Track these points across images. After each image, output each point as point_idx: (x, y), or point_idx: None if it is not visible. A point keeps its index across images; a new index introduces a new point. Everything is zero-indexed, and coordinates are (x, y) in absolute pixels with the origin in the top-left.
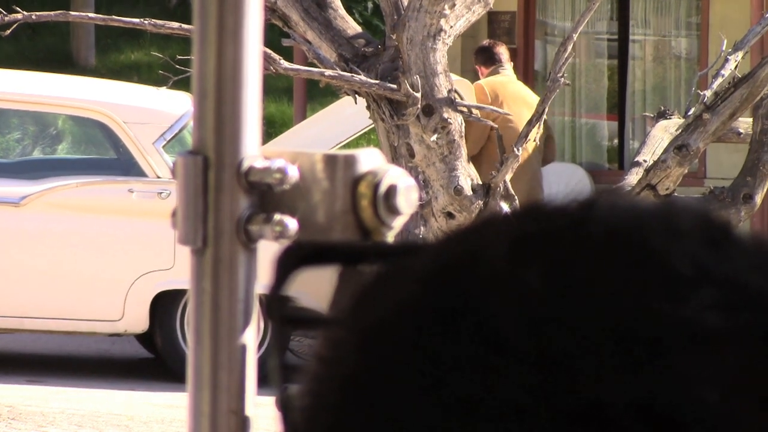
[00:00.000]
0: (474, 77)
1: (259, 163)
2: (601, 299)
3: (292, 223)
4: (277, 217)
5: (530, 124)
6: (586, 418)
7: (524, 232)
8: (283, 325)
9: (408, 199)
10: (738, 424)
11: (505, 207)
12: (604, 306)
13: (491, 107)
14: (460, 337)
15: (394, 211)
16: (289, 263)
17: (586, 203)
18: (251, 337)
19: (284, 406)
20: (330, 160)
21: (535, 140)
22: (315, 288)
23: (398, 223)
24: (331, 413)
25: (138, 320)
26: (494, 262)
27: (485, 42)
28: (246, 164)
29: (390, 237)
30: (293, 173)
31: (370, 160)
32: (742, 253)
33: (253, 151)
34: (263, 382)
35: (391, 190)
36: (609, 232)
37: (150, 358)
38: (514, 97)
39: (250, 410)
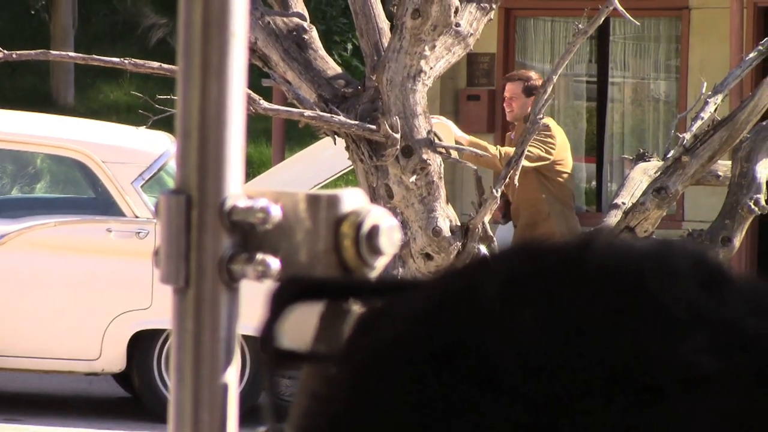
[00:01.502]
0: (455, 118)
1: (242, 203)
2: (597, 341)
3: (274, 263)
4: (259, 256)
5: (509, 165)
6: None
7: (519, 271)
8: (277, 360)
9: (391, 240)
10: None
11: (483, 249)
12: (600, 348)
13: (470, 148)
14: (456, 377)
15: (376, 252)
16: (284, 298)
17: (581, 243)
18: (233, 376)
19: None
20: (313, 200)
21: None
22: (298, 325)
23: (381, 263)
24: None
25: (115, 359)
26: (489, 301)
27: (534, 75)
28: (229, 203)
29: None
30: (276, 213)
31: (353, 200)
32: (737, 295)
33: (236, 190)
34: (244, 422)
35: (374, 231)
36: (604, 272)
37: (127, 397)
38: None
39: None
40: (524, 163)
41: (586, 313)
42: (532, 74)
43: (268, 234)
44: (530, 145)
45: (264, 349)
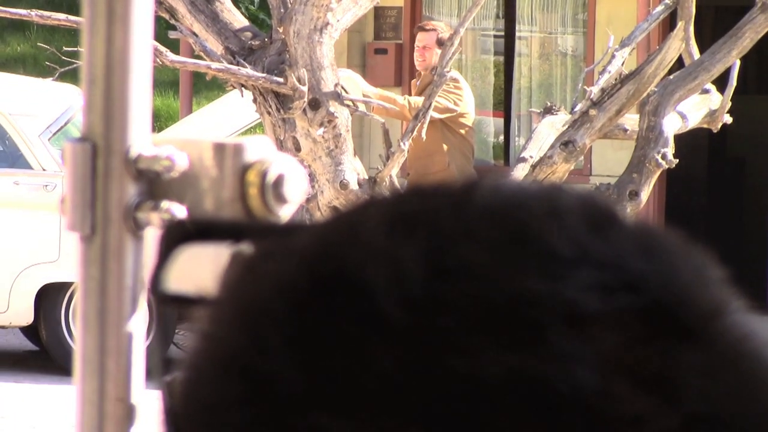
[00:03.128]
0: (362, 71)
1: (148, 151)
2: (480, 278)
3: (180, 211)
4: (165, 204)
5: (416, 119)
6: (461, 393)
7: (405, 209)
8: (165, 302)
9: (297, 188)
10: (613, 406)
11: None
12: (483, 285)
13: (377, 101)
14: (337, 314)
15: (282, 200)
16: (172, 240)
17: (469, 184)
18: (139, 324)
19: (167, 387)
20: (219, 148)
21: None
22: (202, 268)
23: (287, 212)
24: (210, 387)
25: (23, 313)
26: (373, 238)
27: (448, 27)
28: (134, 151)
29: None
30: (182, 161)
31: (260, 148)
32: (624, 236)
33: (142, 138)
34: (150, 372)
35: (280, 179)
36: (490, 211)
37: (35, 350)
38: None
39: (136, 398)
40: (432, 114)
41: (469, 250)
42: (446, 26)
43: (173, 182)
44: (438, 96)
45: (152, 292)
